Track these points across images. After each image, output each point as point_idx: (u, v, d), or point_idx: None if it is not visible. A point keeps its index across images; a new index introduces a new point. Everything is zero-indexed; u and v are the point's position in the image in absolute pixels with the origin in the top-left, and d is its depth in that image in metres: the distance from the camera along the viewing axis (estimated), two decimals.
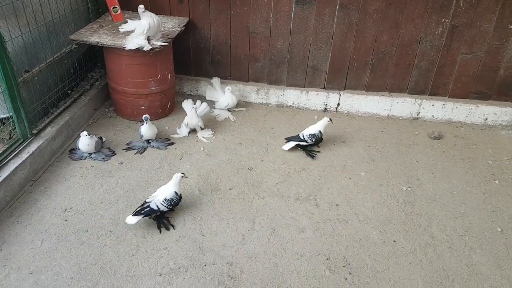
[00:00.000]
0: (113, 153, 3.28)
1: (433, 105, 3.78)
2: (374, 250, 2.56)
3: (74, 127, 3.42)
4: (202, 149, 3.38)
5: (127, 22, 3.28)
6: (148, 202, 2.65)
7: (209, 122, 3.71)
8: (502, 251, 2.57)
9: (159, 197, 2.65)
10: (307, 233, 2.68)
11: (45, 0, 3.17)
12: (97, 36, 3.30)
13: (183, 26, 3.58)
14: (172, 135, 3.51)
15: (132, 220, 2.60)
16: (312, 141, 3.34)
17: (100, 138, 3.33)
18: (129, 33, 3.24)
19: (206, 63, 3.94)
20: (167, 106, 3.70)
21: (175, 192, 2.68)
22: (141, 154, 3.29)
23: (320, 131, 3.34)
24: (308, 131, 3.36)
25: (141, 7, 3.11)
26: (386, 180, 3.13)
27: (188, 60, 3.95)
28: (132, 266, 2.41)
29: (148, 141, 3.36)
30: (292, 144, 3.38)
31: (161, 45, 3.23)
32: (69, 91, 3.54)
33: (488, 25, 3.45)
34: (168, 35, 3.38)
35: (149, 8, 3.68)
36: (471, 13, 3.41)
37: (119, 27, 3.25)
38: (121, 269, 2.39)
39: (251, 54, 3.83)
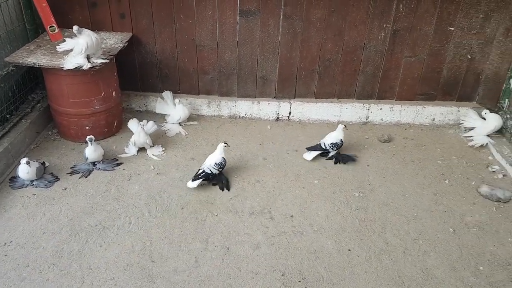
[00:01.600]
0: (57, 179, 2.98)
1: (381, 108, 3.71)
2: (330, 261, 2.41)
3: (14, 154, 3.09)
4: (152, 167, 3.14)
5: (65, 41, 3.01)
6: (202, 169, 2.93)
7: (159, 139, 3.47)
8: (456, 252, 2.49)
9: (210, 163, 2.94)
10: (262, 249, 2.50)
11: None
12: (34, 57, 3.01)
13: (126, 41, 3.33)
14: (120, 155, 3.25)
15: (193, 184, 2.91)
16: (334, 149, 3.23)
17: (43, 163, 3.03)
18: (67, 52, 2.98)
19: (153, 77, 3.71)
20: (113, 125, 3.44)
21: (222, 157, 2.96)
22: (86, 177, 3.01)
23: (341, 139, 3.22)
24: (329, 140, 3.23)
25: (75, 28, 2.87)
26: (338, 187, 3.00)
27: (135, 75, 3.70)
28: None
29: (94, 163, 3.09)
30: (315, 153, 3.26)
31: (101, 63, 2.98)
32: (7, 116, 3.21)
33: (429, 28, 3.42)
34: (109, 52, 3.13)
35: (90, 24, 3.44)
36: (411, 17, 3.37)
37: (57, 46, 2.99)
38: None
39: (199, 67, 3.63)
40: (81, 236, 2.55)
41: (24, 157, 2.96)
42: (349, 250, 2.49)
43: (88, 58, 2.95)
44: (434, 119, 3.75)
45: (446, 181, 3.08)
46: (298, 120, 3.82)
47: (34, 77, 3.53)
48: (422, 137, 3.62)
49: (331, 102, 3.73)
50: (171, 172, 3.10)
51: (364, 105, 3.71)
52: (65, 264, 2.35)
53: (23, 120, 3.29)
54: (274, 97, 3.77)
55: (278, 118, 3.81)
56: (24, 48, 3.17)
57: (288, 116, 3.80)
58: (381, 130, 3.69)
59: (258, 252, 2.47)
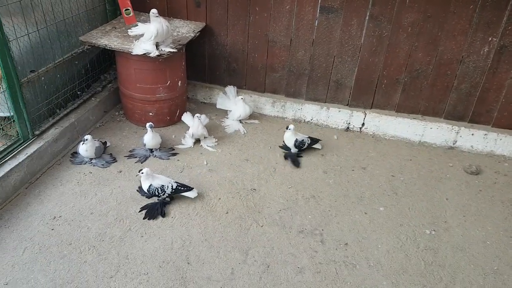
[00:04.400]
0: (114, 160, 3.06)
1: (472, 134, 3.24)
2: None
3: (79, 129, 3.24)
4: (205, 163, 3.08)
5: (137, 25, 3.05)
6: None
7: (217, 134, 3.40)
8: None
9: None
10: (306, 274, 2.29)
11: (57, 0, 3.00)
12: (107, 39, 3.10)
13: (198, 31, 3.30)
14: (177, 146, 3.24)
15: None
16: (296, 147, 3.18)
17: (104, 143, 3.13)
18: (138, 37, 3.01)
19: (221, 70, 3.65)
20: (176, 114, 3.44)
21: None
22: (141, 163, 3.05)
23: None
24: (300, 137, 3.16)
25: (154, 11, 2.87)
26: (407, 219, 2.66)
27: (203, 66, 3.67)
28: None
29: (151, 150, 3.12)
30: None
31: (169, 51, 2.97)
32: (78, 93, 3.38)
33: None
34: (179, 41, 3.11)
35: (166, 11, 3.47)
36: None
37: (129, 30, 3.04)
38: None
39: (268, 63, 3.48)
40: (125, 222, 2.56)
41: (88, 134, 3.08)
42: None
43: (157, 45, 2.96)
44: None
45: None
46: (371, 133, 3.50)
47: (109, 58, 3.66)
48: None
49: (414, 118, 3.35)
50: (222, 170, 3.01)
51: (453, 127, 3.27)
52: (105, 249, 2.38)
53: (92, 98, 3.44)
54: (347, 105, 3.48)
55: (348, 128, 3.53)
56: (99, 29, 3.28)
57: (361, 128, 3.50)
58: (469, 159, 3.23)
59: (300, 278, 2.27)
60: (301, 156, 3.20)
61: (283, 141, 3.23)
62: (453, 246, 2.48)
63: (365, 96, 3.41)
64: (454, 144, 3.33)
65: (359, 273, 2.30)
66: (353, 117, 3.47)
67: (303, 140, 3.14)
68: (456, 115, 3.28)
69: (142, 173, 2.63)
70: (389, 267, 2.34)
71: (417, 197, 2.85)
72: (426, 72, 3.18)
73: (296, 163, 3.10)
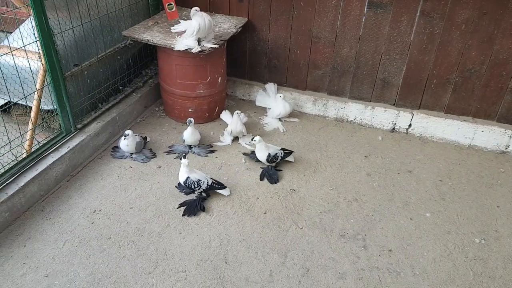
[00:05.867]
0: (154, 155, 3.13)
1: None
2: None
3: (121, 124, 3.34)
4: (243, 161, 3.10)
5: (179, 22, 3.10)
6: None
7: (256, 131, 3.41)
8: None
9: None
10: (347, 280, 2.26)
11: None
12: (149, 34, 3.17)
13: (240, 27, 3.32)
14: (215, 143, 3.28)
15: None
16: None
17: (145, 138, 3.21)
18: (180, 33, 3.06)
19: (261, 67, 3.65)
20: (215, 111, 3.49)
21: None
22: (180, 159, 3.11)
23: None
24: (273, 151, 2.93)
25: (196, 9, 2.91)
26: (455, 227, 2.58)
27: (243, 62, 3.69)
28: (146, 286, 2.21)
29: (190, 146, 3.18)
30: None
31: (211, 47, 3.00)
32: (120, 87, 3.48)
33: None
34: (221, 37, 3.14)
35: (208, 6, 3.51)
36: None
37: (171, 27, 3.10)
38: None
39: (311, 60, 3.45)
40: (164, 218, 2.62)
41: (129, 129, 3.16)
42: None
43: (199, 41, 3.00)
44: None
45: None
46: (418, 135, 3.41)
47: (150, 53, 3.75)
48: None
49: (464, 120, 3.23)
50: (260, 170, 3.02)
51: (506, 131, 3.13)
52: (143, 245, 2.44)
53: (134, 93, 3.53)
54: (394, 104, 3.41)
55: (393, 129, 3.45)
56: (142, 24, 3.36)
57: (407, 129, 3.41)
58: None
59: (341, 284, 2.24)
60: (280, 170, 3.00)
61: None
62: (504, 257, 2.38)
63: (413, 95, 3.32)
64: (506, 148, 3.19)
65: (403, 281, 2.25)
66: (400, 118, 3.39)
67: (276, 154, 2.93)
68: (510, 118, 3.15)
69: (185, 158, 2.74)
70: (436, 276, 2.28)
71: (466, 204, 2.75)
72: (480, 72, 3.05)
73: (274, 179, 2.91)
